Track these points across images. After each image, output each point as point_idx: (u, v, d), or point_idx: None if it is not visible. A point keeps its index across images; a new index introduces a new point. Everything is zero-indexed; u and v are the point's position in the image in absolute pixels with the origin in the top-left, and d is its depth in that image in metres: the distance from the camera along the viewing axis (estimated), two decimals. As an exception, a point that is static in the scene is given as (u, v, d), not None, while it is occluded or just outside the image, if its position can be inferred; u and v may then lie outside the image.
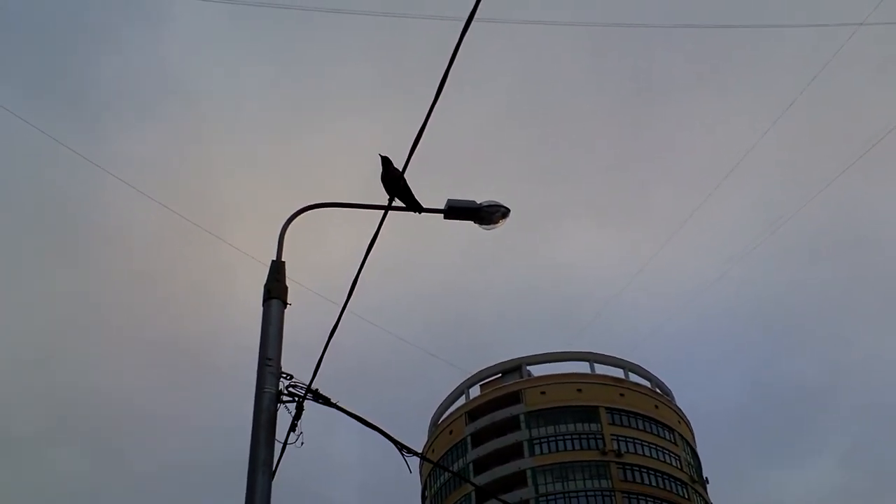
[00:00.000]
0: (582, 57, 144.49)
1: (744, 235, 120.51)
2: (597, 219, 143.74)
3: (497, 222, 7.73)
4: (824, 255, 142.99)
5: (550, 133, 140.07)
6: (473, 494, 68.93)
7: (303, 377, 6.40)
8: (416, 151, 5.82)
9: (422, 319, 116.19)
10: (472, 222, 7.73)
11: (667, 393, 77.34)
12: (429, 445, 76.85)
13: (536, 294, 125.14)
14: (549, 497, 65.80)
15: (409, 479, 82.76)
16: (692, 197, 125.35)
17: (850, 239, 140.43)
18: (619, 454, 67.38)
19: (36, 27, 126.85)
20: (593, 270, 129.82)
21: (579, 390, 71.38)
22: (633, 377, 75.52)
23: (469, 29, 4.93)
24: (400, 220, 7.68)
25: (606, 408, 70.30)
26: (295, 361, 6.43)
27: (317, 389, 6.35)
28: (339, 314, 6.74)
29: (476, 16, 4.85)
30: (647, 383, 76.04)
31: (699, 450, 75.93)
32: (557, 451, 68.20)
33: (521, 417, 70.51)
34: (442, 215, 7.64)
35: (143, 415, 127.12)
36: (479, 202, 7.68)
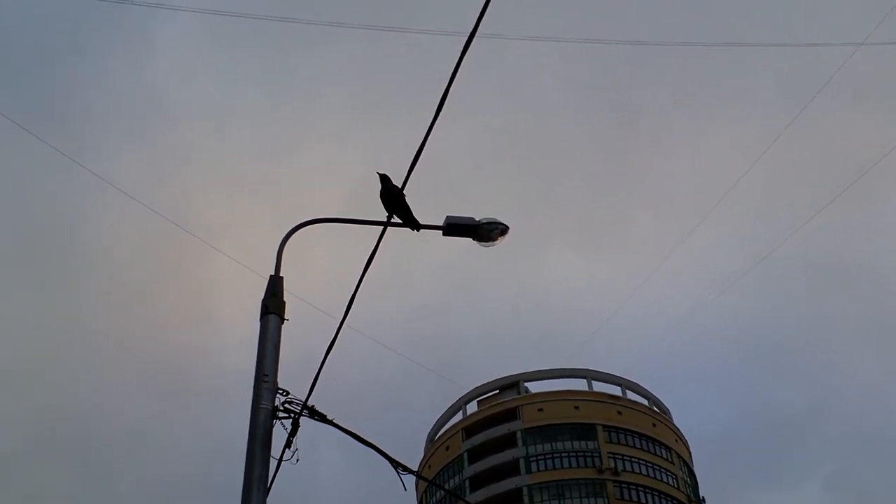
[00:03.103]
0: (567, 82, 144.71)
1: (735, 258, 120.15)
2: (585, 244, 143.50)
3: (496, 239, 7.68)
4: (811, 282, 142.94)
5: (535, 159, 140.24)
6: (469, 511, 68.52)
7: (291, 390, 6.36)
8: (405, 172, 5.83)
9: (408, 337, 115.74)
10: (470, 239, 7.71)
11: (664, 411, 77.07)
12: (425, 461, 76.52)
13: (526, 318, 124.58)
14: (546, 515, 65.58)
15: (403, 496, 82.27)
16: (681, 221, 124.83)
17: (837, 266, 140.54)
18: (615, 472, 67.10)
19: (23, 47, 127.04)
20: (582, 296, 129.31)
21: (577, 407, 71.18)
22: (631, 395, 75.32)
23: (466, 51, 4.95)
24: (386, 235, 7.68)
25: (604, 425, 70.09)
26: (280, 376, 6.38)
27: (313, 406, 6.33)
28: (336, 330, 6.73)
29: (459, 32, 4.87)
30: (644, 401, 75.81)
31: (696, 469, 75.69)
32: (554, 468, 67.93)
33: (519, 434, 70.24)
34: (440, 232, 7.59)
35: (132, 432, 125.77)
36: (477, 219, 7.65)
